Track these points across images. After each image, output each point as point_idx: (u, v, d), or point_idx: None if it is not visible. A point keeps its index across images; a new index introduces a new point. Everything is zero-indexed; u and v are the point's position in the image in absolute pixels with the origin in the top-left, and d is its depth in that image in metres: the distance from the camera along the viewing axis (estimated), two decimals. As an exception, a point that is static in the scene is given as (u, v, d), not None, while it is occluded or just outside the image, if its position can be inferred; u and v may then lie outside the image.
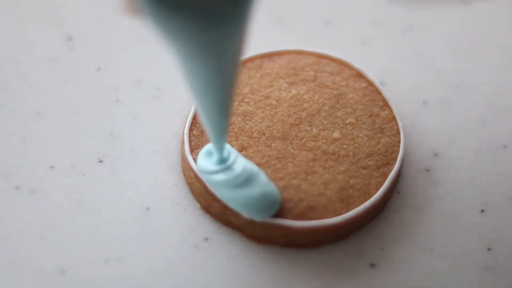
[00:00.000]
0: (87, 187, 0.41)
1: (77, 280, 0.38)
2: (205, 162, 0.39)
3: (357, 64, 0.44)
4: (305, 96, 0.42)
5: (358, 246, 0.40)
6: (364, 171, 0.40)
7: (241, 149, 0.40)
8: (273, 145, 0.40)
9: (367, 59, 0.45)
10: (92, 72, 0.44)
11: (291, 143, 0.40)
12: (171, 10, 0.29)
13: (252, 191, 0.38)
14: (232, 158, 0.38)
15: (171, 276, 0.38)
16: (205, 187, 0.39)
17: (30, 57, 0.45)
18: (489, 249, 0.40)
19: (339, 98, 0.42)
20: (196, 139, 0.41)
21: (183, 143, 0.40)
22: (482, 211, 0.41)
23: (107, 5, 0.47)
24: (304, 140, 0.40)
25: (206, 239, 0.39)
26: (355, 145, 0.40)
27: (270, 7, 0.47)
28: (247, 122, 0.41)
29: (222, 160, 0.38)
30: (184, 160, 0.40)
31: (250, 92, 0.42)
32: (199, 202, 0.40)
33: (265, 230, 0.39)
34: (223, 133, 0.36)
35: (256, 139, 0.40)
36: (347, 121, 0.41)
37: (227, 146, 0.39)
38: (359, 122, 0.41)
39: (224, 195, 0.38)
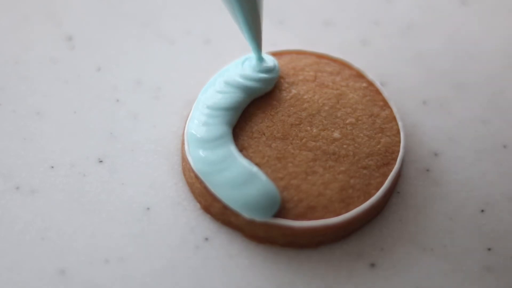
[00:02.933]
0: (87, 187, 0.41)
1: (77, 280, 0.38)
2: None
3: (357, 64, 0.44)
4: (305, 96, 0.42)
5: (358, 246, 0.40)
6: (364, 171, 0.40)
7: (241, 149, 0.40)
8: (273, 145, 0.40)
9: (367, 59, 0.45)
10: (92, 72, 0.44)
11: (291, 143, 0.40)
12: None
13: (252, 191, 0.38)
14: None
15: (171, 276, 0.38)
16: (205, 187, 0.39)
17: (30, 57, 0.45)
18: (489, 249, 0.40)
19: (339, 98, 0.42)
20: None
21: (183, 143, 0.40)
22: (482, 211, 0.41)
23: (107, 5, 0.47)
24: (304, 140, 0.40)
25: (206, 239, 0.39)
26: (355, 145, 0.40)
27: (270, 7, 0.47)
28: (247, 122, 0.41)
29: (260, 60, 0.41)
30: (184, 160, 0.40)
31: (250, 92, 0.42)
32: (199, 202, 0.40)
33: (265, 230, 0.39)
34: (258, 33, 0.40)
35: (256, 139, 0.40)
36: (347, 121, 0.41)
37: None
38: (359, 122, 0.41)
39: (224, 193, 0.38)
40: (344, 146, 0.40)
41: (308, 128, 0.41)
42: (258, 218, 0.38)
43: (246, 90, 0.41)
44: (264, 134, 0.41)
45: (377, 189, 0.40)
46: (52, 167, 0.41)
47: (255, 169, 0.39)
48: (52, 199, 0.40)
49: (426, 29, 0.47)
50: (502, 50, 0.47)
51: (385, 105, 0.42)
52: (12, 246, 0.39)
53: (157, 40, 0.46)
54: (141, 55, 0.45)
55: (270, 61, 0.42)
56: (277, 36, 0.46)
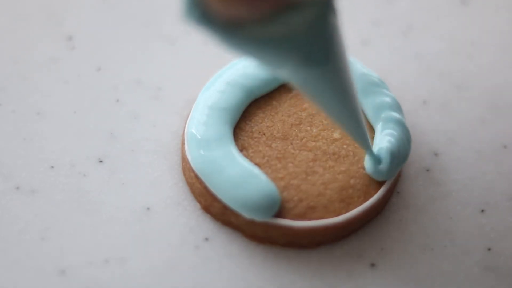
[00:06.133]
0: (87, 187, 0.41)
1: (77, 280, 0.38)
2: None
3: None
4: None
5: (358, 246, 0.40)
6: (364, 171, 0.40)
7: (241, 149, 0.40)
8: (273, 145, 0.40)
9: (367, 59, 0.45)
10: (92, 72, 0.44)
11: (291, 143, 0.40)
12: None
13: (252, 191, 0.38)
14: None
15: (171, 276, 0.38)
16: (205, 187, 0.39)
17: (30, 57, 0.45)
18: (489, 249, 0.40)
19: (339, 98, 0.42)
20: None
21: (183, 143, 0.40)
22: (482, 211, 0.41)
23: (107, 5, 0.47)
24: (304, 140, 0.40)
25: (206, 239, 0.39)
26: (355, 145, 0.40)
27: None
28: (247, 122, 0.41)
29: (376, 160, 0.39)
30: (184, 160, 0.40)
31: (250, 92, 0.42)
32: (199, 202, 0.40)
33: (265, 230, 0.39)
34: (364, 139, 0.37)
35: (256, 139, 0.40)
36: (347, 121, 0.41)
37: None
38: (359, 122, 0.41)
39: (224, 193, 0.38)
40: (344, 146, 0.40)
41: (308, 128, 0.41)
42: (258, 218, 0.38)
43: (246, 90, 0.41)
44: (264, 134, 0.41)
45: (377, 189, 0.40)
46: (52, 167, 0.41)
47: (255, 169, 0.39)
48: (52, 199, 0.40)
49: (426, 29, 0.47)
50: (502, 50, 0.47)
51: (385, 105, 0.42)
52: (12, 246, 0.39)
53: (157, 40, 0.46)
54: (141, 55, 0.45)
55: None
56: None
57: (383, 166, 0.39)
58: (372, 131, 0.41)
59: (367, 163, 0.39)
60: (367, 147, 0.38)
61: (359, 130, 0.37)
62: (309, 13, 0.29)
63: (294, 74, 0.31)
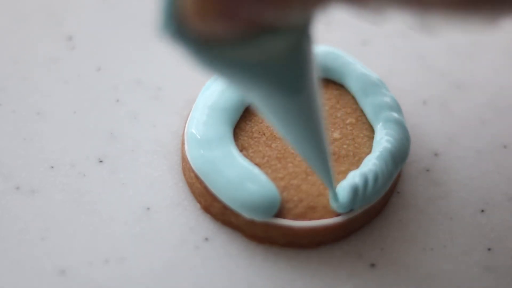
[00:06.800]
0: (87, 187, 0.41)
1: (77, 280, 0.38)
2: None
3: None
4: (305, 96, 0.42)
5: (358, 246, 0.40)
6: (364, 171, 0.40)
7: (241, 149, 0.40)
8: (273, 145, 0.40)
9: (367, 59, 0.45)
10: (92, 72, 0.44)
11: (291, 143, 0.40)
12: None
13: (252, 191, 0.38)
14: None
15: (171, 276, 0.38)
16: (205, 187, 0.39)
17: (30, 57, 0.45)
18: (489, 249, 0.40)
19: (339, 98, 0.42)
20: None
21: (183, 143, 0.40)
22: (482, 211, 0.41)
23: (107, 5, 0.47)
24: (304, 140, 0.40)
25: (206, 239, 0.39)
26: (355, 145, 0.40)
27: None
28: (247, 122, 0.41)
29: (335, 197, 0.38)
30: (184, 160, 0.40)
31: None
32: (199, 202, 0.40)
33: (265, 230, 0.39)
34: (326, 173, 0.36)
35: (256, 139, 0.40)
36: (347, 121, 0.41)
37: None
38: (359, 122, 0.41)
39: (224, 193, 0.38)
40: (344, 146, 0.40)
41: (308, 128, 0.41)
42: (258, 218, 0.38)
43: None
44: (264, 134, 0.41)
45: (377, 189, 0.40)
46: (52, 167, 0.41)
47: (255, 169, 0.39)
48: (52, 199, 0.40)
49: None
50: (502, 50, 0.47)
51: (385, 105, 0.42)
52: (12, 246, 0.39)
53: (157, 40, 0.46)
54: (141, 55, 0.45)
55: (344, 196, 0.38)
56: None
57: (341, 203, 0.38)
58: (372, 131, 0.41)
59: (330, 198, 0.38)
60: (329, 183, 0.37)
61: (324, 164, 0.35)
62: (285, 40, 0.28)
63: (264, 99, 0.31)
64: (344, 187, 0.38)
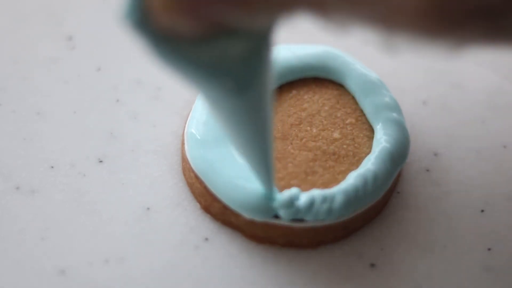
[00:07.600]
0: (87, 187, 0.41)
1: (77, 280, 0.38)
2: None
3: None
4: (305, 96, 0.42)
5: (358, 246, 0.40)
6: (364, 171, 0.40)
7: (241, 149, 0.40)
8: (273, 145, 0.40)
9: (367, 59, 0.45)
10: (92, 72, 0.44)
11: (291, 143, 0.40)
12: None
13: (252, 191, 0.38)
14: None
15: (171, 276, 0.38)
16: (205, 187, 0.39)
17: (30, 57, 0.45)
18: (489, 249, 0.40)
19: (339, 98, 0.42)
20: None
21: (183, 143, 0.40)
22: (482, 211, 0.41)
23: (107, 5, 0.47)
24: (304, 140, 0.40)
25: (206, 239, 0.39)
26: (355, 145, 0.40)
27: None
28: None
29: (271, 198, 0.38)
30: (184, 160, 0.40)
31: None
32: (199, 202, 0.40)
33: (265, 230, 0.39)
34: (267, 176, 0.36)
35: (256, 139, 0.40)
36: (347, 121, 0.41)
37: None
38: (359, 122, 0.41)
39: (224, 193, 0.38)
40: (344, 146, 0.40)
41: (308, 128, 0.41)
42: (258, 218, 0.38)
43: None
44: (264, 134, 0.41)
45: (377, 189, 0.40)
46: (52, 167, 0.41)
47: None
48: (52, 199, 0.40)
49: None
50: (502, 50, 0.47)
51: (385, 105, 0.42)
52: (12, 246, 0.39)
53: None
54: (141, 55, 0.45)
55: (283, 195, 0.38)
56: (277, 36, 0.46)
57: (279, 202, 0.37)
58: (372, 131, 0.41)
59: (265, 197, 0.38)
60: (267, 183, 0.37)
61: (266, 165, 0.35)
62: (244, 43, 0.28)
63: (212, 96, 0.31)
64: (283, 198, 0.37)
